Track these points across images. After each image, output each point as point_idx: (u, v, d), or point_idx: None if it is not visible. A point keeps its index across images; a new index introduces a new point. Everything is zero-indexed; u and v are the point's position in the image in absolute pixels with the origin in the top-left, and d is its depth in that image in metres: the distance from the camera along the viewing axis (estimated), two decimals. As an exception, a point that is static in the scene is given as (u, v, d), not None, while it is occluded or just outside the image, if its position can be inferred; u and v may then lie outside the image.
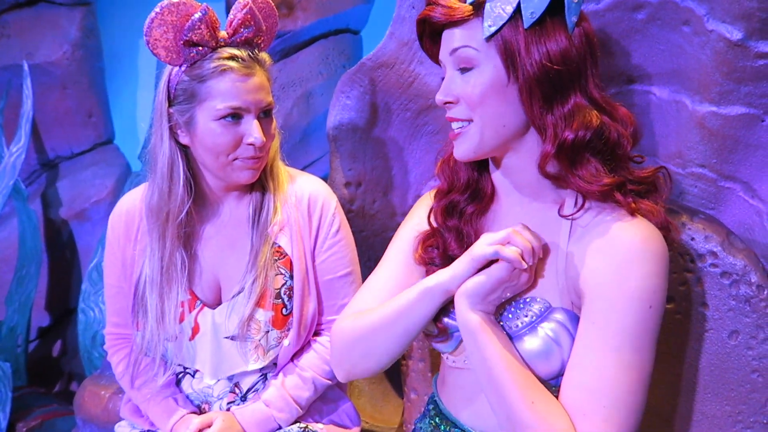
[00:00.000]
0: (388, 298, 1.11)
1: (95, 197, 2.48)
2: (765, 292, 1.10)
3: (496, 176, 1.09)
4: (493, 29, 0.94)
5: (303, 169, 2.27)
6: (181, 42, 1.14)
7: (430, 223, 1.13)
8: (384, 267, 1.18)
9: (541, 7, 0.93)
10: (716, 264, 1.12)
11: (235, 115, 1.17)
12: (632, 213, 0.97)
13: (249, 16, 1.17)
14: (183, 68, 1.17)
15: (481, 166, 1.11)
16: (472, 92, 0.98)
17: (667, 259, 0.95)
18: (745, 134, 1.16)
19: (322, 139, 2.21)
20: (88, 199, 2.48)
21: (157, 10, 1.12)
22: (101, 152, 2.56)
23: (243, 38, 1.18)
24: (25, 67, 2.24)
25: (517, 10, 0.94)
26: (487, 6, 0.95)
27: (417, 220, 1.18)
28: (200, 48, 1.15)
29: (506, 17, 0.93)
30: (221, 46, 1.17)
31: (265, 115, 1.21)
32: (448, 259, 1.09)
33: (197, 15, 1.13)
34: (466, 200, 1.11)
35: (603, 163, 0.98)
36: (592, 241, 0.97)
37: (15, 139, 2.18)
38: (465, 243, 1.09)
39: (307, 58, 2.20)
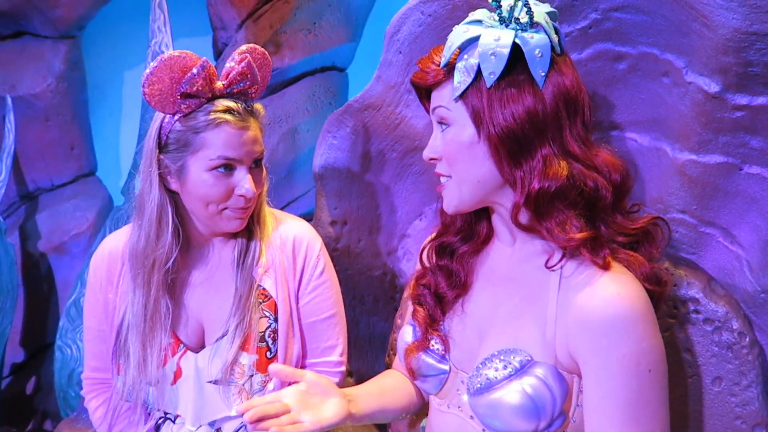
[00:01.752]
0: None
1: (75, 230, 2.44)
2: (747, 339, 1.12)
3: (493, 220, 1.11)
4: (460, 90, 0.97)
5: (288, 204, 2.28)
6: (178, 94, 1.13)
7: (422, 262, 1.16)
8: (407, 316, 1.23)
9: (499, 67, 0.94)
10: (698, 310, 1.14)
11: (228, 166, 1.17)
12: (606, 268, 0.96)
13: (246, 69, 1.16)
14: (177, 117, 1.16)
15: (479, 211, 1.12)
16: (448, 149, 1.01)
17: (652, 315, 0.95)
18: (724, 182, 1.19)
19: (307, 175, 2.22)
20: (68, 232, 2.44)
21: (158, 61, 1.11)
22: (83, 184, 2.53)
23: (238, 90, 1.17)
24: (9, 101, 2.22)
25: (480, 70, 0.96)
26: (457, 64, 0.98)
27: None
28: (196, 99, 1.14)
29: (471, 78, 0.96)
30: (216, 98, 1.16)
31: (255, 164, 1.21)
32: (437, 298, 1.12)
33: (195, 70, 1.12)
34: (459, 241, 1.13)
35: (579, 216, 0.97)
36: (579, 299, 0.95)
37: (-5, 173, 2.16)
38: (454, 282, 1.11)
39: (293, 95, 2.22)
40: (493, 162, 0.98)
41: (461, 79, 0.97)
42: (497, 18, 0.97)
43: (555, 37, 0.98)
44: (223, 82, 1.16)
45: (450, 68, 0.99)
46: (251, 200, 1.20)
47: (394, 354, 1.33)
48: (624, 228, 1.00)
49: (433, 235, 1.19)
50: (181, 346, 1.26)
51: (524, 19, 0.95)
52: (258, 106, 1.22)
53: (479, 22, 0.99)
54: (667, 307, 1.16)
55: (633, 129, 1.28)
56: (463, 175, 1.01)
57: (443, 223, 1.15)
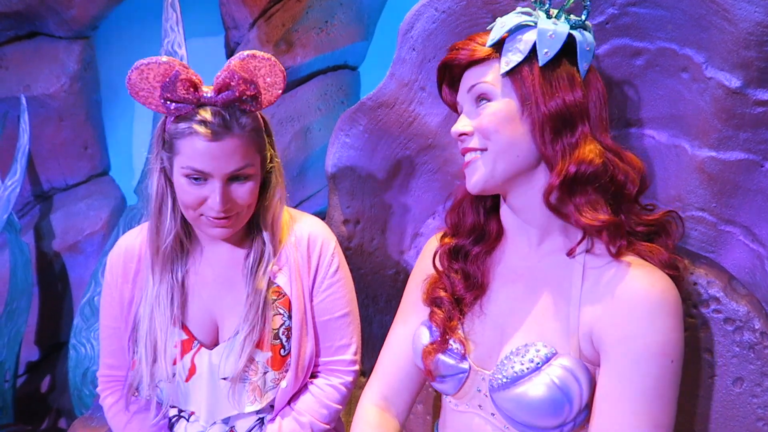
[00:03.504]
0: (405, 356, 1.16)
1: (89, 230, 2.46)
2: (769, 339, 1.10)
3: (506, 215, 1.10)
4: (511, 65, 1.00)
5: (300, 203, 2.28)
6: (161, 99, 1.11)
7: (435, 267, 1.15)
8: (400, 323, 1.21)
9: (556, 47, 0.98)
10: (719, 310, 1.12)
11: (199, 177, 1.14)
12: (619, 256, 0.98)
13: (228, 77, 1.11)
14: (171, 118, 1.15)
15: (487, 210, 1.12)
16: (488, 122, 1.01)
17: (680, 309, 0.95)
18: (744, 179, 1.17)
19: (319, 174, 2.22)
20: (82, 231, 2.46)
21: (134, 67, 1.10)
22: (96, 184, 2.55)
23: (224, 100, 1.12)
24: (23, 101, 2.24)
25: (533, 49, 0.99)
26: (506, 44, 1.01)
27: (425, 267, 1.19)
28: (181, 104, 1.11)
29: (523, 55, 0.99)
30: (203, 104, 1.12)
31: (237, 179, 1.16)
32: (456, 301, 1.10)
33: (171, 77, 1.09)
34: (471, 243, 1.12)
35: (607, 202, 1.00)
36: (606, 290, 0.97)
37: (10, 173, 2.18)
38: (472, 284, 1.10)
39: (305, 94, 2.22)
40: (532, 138, 1.00)
41: (513, 55, 1.00)
42: (545, 16, 1.02)
43: (593, 42, 1.04)
44: (213, 89, 1.13)
45: (498, 46, 1.02)
46: (229, 211, 1.16)
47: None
48: (643, 220, 1.03)
49: (441, 237, 1.17)
50: (195, 343, 1.26)
51: (581, 18, 1.02)
52: (246, 119, 1.15)
53: (528, 14, 1.04)
54: (686, 306, 1.14)
55: (651, 126, 1.26)
56: (502, 147, 1.01)
57: (452, 225, 1.15)
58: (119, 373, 1.33)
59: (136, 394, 1.28)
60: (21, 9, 2.29)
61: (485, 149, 1.02)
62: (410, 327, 1.18)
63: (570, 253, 1.01)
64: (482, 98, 1.03)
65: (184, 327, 1.26)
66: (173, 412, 1.31)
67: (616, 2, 1.19)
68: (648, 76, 1.22)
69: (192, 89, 1.11)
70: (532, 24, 1.01)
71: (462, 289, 1.10)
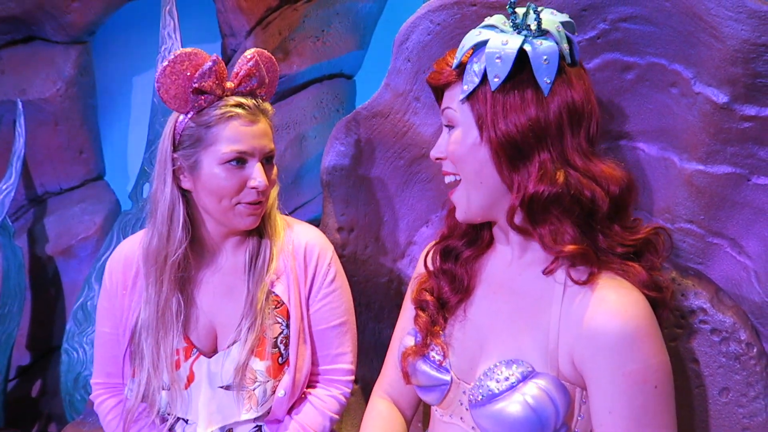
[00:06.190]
0: None
1: (83, 234, 2.45)
2: (754, 350, 1.12)
3: (494, 230, 1.12)
4: (467, 92, 0.98)
5: (294, 210, 2.29)
6: (190, 90, 1.18)
7: (426, 266, 1.16)
8: (402, 327, 1.23)
9: (504, 71, 0.95)
10: (706, 321, 1.14)
11: (240, 160, 1.20)
12: (591, 281, 0.95)
13: (254, 68, 1.20)
14: (190, 115, 1.20)
15: None
16: (453, 149, 1.02)
17: (658, 331, 0.94)
18: (732, 192, 1.19)
19: (314, 181, 2.23)
20: (76, 235, 2.45)
21: (171, 58, 1.17)
22: (91, 188, 2.54)
23: (248, 89, 1.21)
24: (19, 105, 2.24)
25: (487, 75, 0.96)
26: (467, 66, 0.99)
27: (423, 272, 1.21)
28: (207, 96, 1.18)
29: (478, 81, 0.97)
30: (227, 95, 1.20)
31: (267, 161, 1.24)
32: (440, 303, 1.11)
33: (208, 64, 1.16)
34: (464, 245, 1.13)
35: (575, 225, 0.97)
36: (581, 316, 0.94)
37: (5, 177, 2.18)
38: (458, 287, 1.10)
39: (301, 102, 2.23)
40: (493, 165, 0.99)
41: (469, 81, 0.98)
42: (511, 24, 0.98)
43: (566, 47, 0.97)
44: (234, 82, 1.21)
45: (461, 70, 1.00)
46: (263, 193, 1.22)
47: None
48: (623, 239, 0.99)
49: (437, 239, 1.19)
50: (195, 350, 1.27)
51: (533, 26, 0.96)
52: (267, 105, 1.26)
53: (493, 27, 1.00)
54: (674, 317, 1.16)
55: (641, 139, 1.28)
56: (469, 176, 1.02)
57: (449, 226, 1.15)
58: (115, 380, 1.33)
59: (142, 401, 1.27)
60: (18, 13, 2.29)
61: (457, 174, 1.03)
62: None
63: (545, 272, 0.99)
64: (450, 123, 1.03)
65: (183, 335, 1.26)
66: (171, 420, 1.30)
67: (607, 18, 1.21)
68: (638, 90, 1.24)
69: (221, 81, 1.19)
70: (487, 40, 0.97)
71: (448, 291, 1.10)
